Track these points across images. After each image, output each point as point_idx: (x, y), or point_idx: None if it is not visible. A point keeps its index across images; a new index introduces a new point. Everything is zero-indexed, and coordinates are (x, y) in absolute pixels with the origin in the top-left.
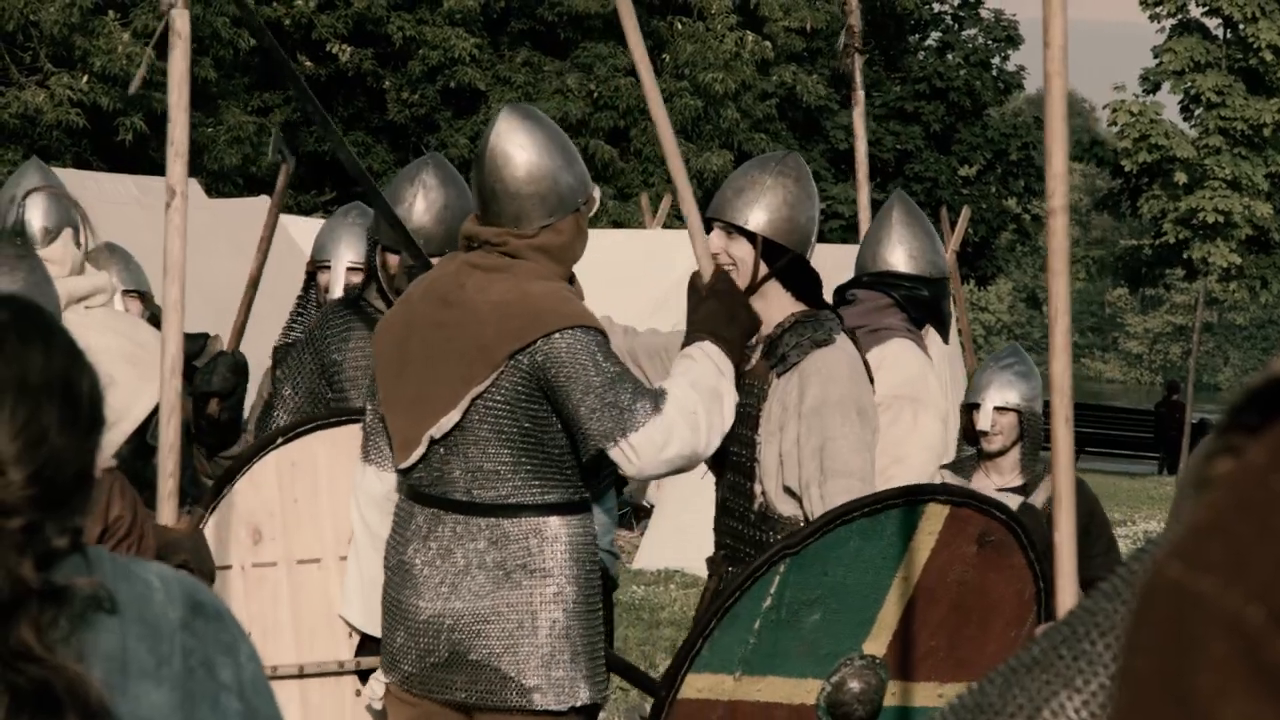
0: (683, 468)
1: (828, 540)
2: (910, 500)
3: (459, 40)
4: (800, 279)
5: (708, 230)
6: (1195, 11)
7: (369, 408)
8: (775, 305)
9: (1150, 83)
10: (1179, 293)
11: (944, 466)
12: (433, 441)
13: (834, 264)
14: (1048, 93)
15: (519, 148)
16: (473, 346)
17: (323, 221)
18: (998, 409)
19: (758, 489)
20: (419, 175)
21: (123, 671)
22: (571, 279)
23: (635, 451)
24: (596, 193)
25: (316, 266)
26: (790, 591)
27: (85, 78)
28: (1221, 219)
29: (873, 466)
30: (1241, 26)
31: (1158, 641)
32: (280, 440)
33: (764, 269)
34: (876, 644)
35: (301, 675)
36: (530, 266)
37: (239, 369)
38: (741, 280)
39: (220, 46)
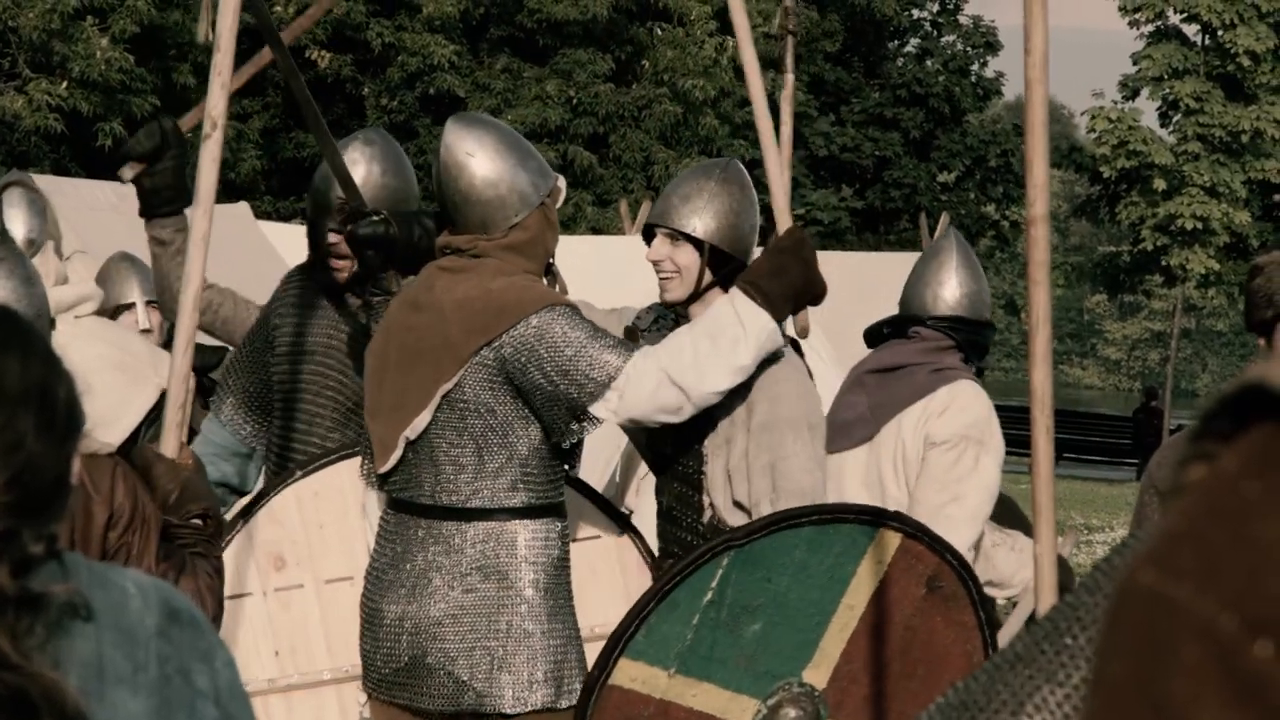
0: (673, 406)
1: (774, 542)
2: (863, 520)
3: (438, 47)
4: None
5: (650, 237)
6: (1174, 18)
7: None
8: None
9: (1129, 89)
10: (1157, 299)
11: None
12: (408, 444)
13: None
14: (1028, 102)
15: (468, 155)
16: (440, 345)
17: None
18: None
19: (706, 501)
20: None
21: (99, 678)
22: (550, 270)
23: (619, 394)
24: (561, 182)
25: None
26: (732, 591)
27: (64, 83)
28: (1200, 226)
29: (824, 484)
30: (1220, 33)
31: (1132, 648)
32: (299, 474)
33: (709, 277)
34: (818, 674)
35: (334, 681)
36: (494, 264)
37: (168, 135)
38: (685, 288)
39: (199, 52)
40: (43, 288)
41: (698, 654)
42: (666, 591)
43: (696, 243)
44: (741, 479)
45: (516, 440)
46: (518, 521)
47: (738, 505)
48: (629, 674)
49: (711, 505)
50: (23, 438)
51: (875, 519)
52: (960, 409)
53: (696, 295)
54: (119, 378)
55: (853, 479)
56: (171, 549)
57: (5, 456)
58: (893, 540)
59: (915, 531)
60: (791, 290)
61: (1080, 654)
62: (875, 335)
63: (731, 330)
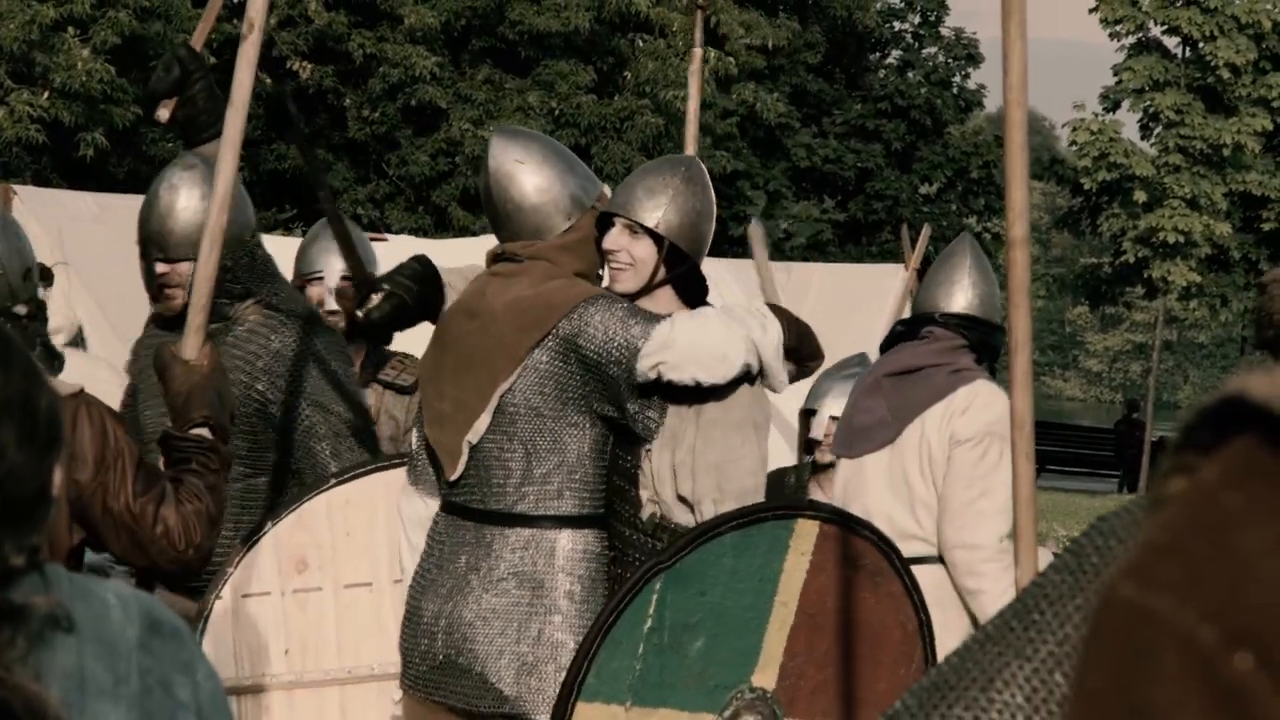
0: (719, 352)
1: (702, 556)
2: (779, 515)
3: (420, 58)
4: (690, 285)
5: (608, 225)
6: (1155, 30)
7: (415, 436)
8: (664, 308)
9: (1110, 101)
10: (1139, 311)
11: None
12: (471, 449)
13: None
14: (1008, 124)
15: (518, 163)
16: (494, 347)
17: (283, 239)
18: (833, 417)
19: (644, 496)
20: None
21: (80, 690)
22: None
23: (670, 327)
24: (606, 189)
25: (305, 280)
26: (670, 613)
27: (45, 94)
28: (1181, 238)
29: (764, 484)
30: (1200, 45)
31: (1112, 660)
32: (334, 481)
33: (663, 272)
34: (765, 676)
35: (339, 681)
36: (545, 267)
37: (185, 62)
38: (637, 280)
39: None
40: (30, 248)
41: (649, 682)
42: (608, 629)
43: (656, 237)
44: (686, 474)
45: (565, 447)
46: (558, 530)
47: (682, 500)
48: (587, 717)
49: (654, 500)
50: (4, 449)
51: (791, 512)
52: (982, 406)
53: (646, 290)
54: None
55: (875, 481)
56: (153, 478)
57: None
58: (811, 529)
59: (830, 516)
60: (798, 329)
61: (1047, 629)
62: (891, 342)
63: (758, 317)
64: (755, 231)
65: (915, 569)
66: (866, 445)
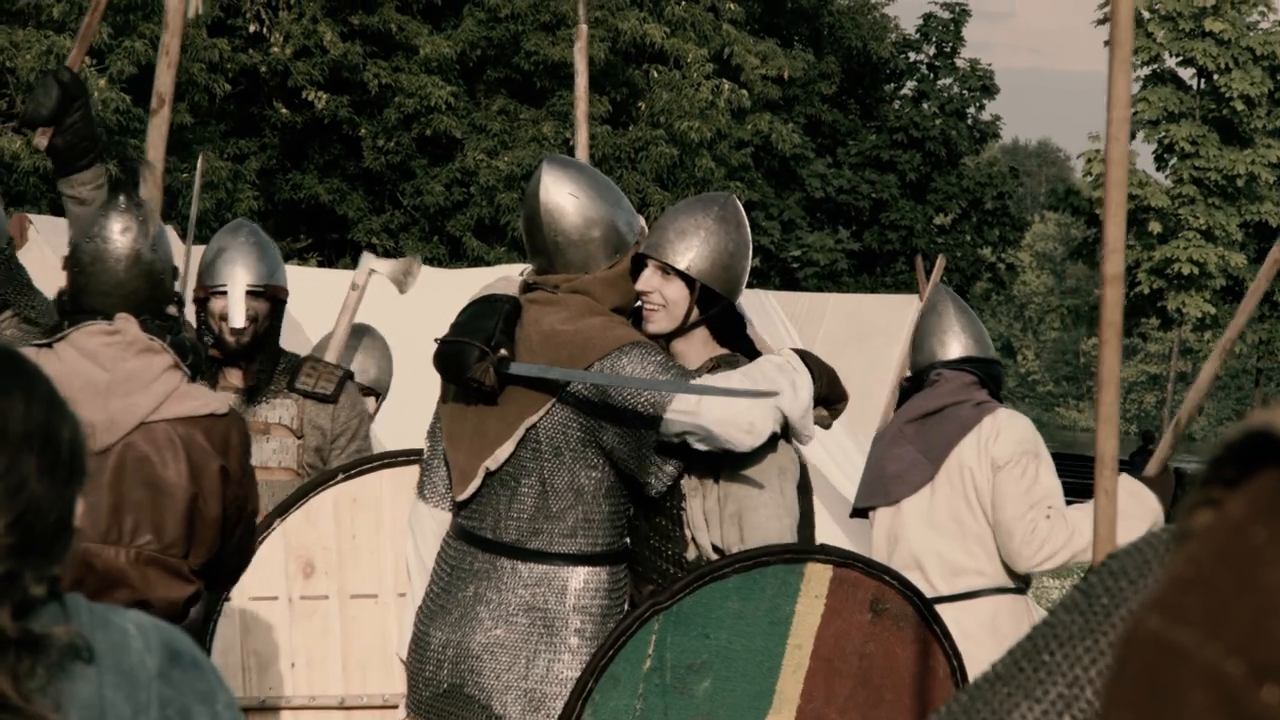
0: (745, 424)
1: (703, 598)
2: (787, 559)
3: (435, 88)
4: (725, 323)
5: (642, 266)
6: (1170, 62)
7: (427, 444)
8: (698, 348)
9: None
10: (1154, 342)
11: None
12: (488, 474)
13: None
14: (1109, 159)
15: (571, 196)
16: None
17: (298, 268)
18: None
19: (688, 535)
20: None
21: None
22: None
23: (697, 401)
24: (644, 223)
25: (209, 293)
26: (671, 653)
27: None
28: (1196, 269)
29: (792, 529)
30: (1215, 77)
31: (1139, 694)
32: (341, 476)
33: (696, 314)
34: (781, 719)
35: (343, 707)
36: (584, 301)
37: (67, 87)
38: (670, 321)
39: (196, 92)
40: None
41: None
42: (604, 667)
43: (687, 279)
44: (715, 522)
45: (581, 486)
46: (571, 568)
47: (716, 550)
48: None
49: (695, 542)
50: (26, 480)
51: (799, 556)
52: (1009, 429)
53: (680, 331)
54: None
55: (917, 523)
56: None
57: (8, 499)
58: (824, 572)
59: (846, 559)
60: (828, 376)
61: (1057, 670)
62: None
63: (789, 375)
64: None
65: (971, 603)
66: (903, 490)
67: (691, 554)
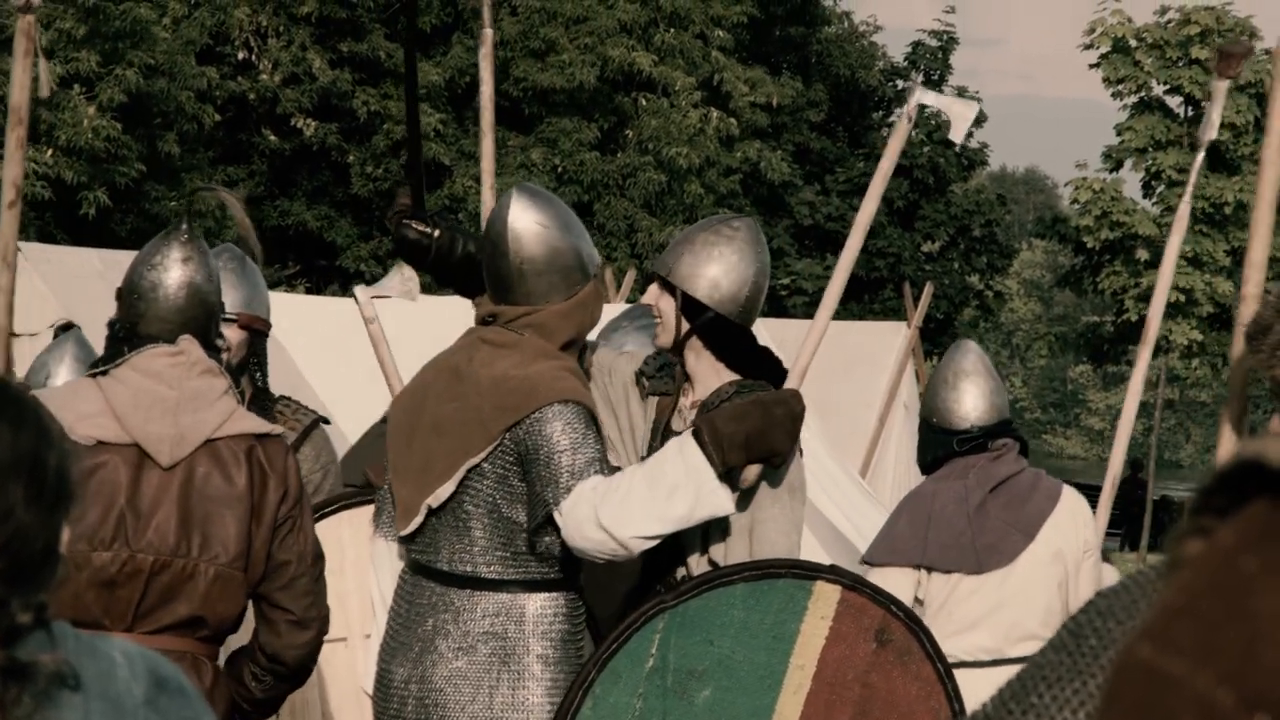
0: (599, 546)
1: (707, 602)
2: (796, 574)
3: (423, 115)
4: (736, 346)
5: (649, 284)
6: (1157, 90)
7: (386, 479)
8: (706, 367)
9: (1112, 160)
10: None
11: None
12: (430, 511)
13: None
14: (1261, 181)
15: (538, 225)
16: (472, 420)
17: (286, 295)
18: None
19: (688, 555)
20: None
21: None
22: (584, 346)
23: (563, 516)
24: (596, 255)
25: None
26: (674, 655)
27: (50, 151)
28: (1183, 297)
29: (799, 545)
30: (1203, 105)
31: None
32: None
33: (685, 325)
34: None
35: None
36: (536, 344)
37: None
38: (666, 334)
39: (184, 121)
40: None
41: None
42: (606, 660)
43: (673, 289)
44: (720, 537)
45: (534, 514)
46: (527, 595)
47: (711, 564)
48: None
49: (698, 561)
50: (13, 508)
51: (809, 573)
52: (1088, 513)
53: (680, 343)
54: None
55: (1012, 590)
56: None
57: None
58: (832, 594)
59: (855, 583)
60: (744, 438)
61: (1045, 712)
62: (930, 460)
63: (673, 477)
64: None
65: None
66: (998, 559)
67: (680, 573)
